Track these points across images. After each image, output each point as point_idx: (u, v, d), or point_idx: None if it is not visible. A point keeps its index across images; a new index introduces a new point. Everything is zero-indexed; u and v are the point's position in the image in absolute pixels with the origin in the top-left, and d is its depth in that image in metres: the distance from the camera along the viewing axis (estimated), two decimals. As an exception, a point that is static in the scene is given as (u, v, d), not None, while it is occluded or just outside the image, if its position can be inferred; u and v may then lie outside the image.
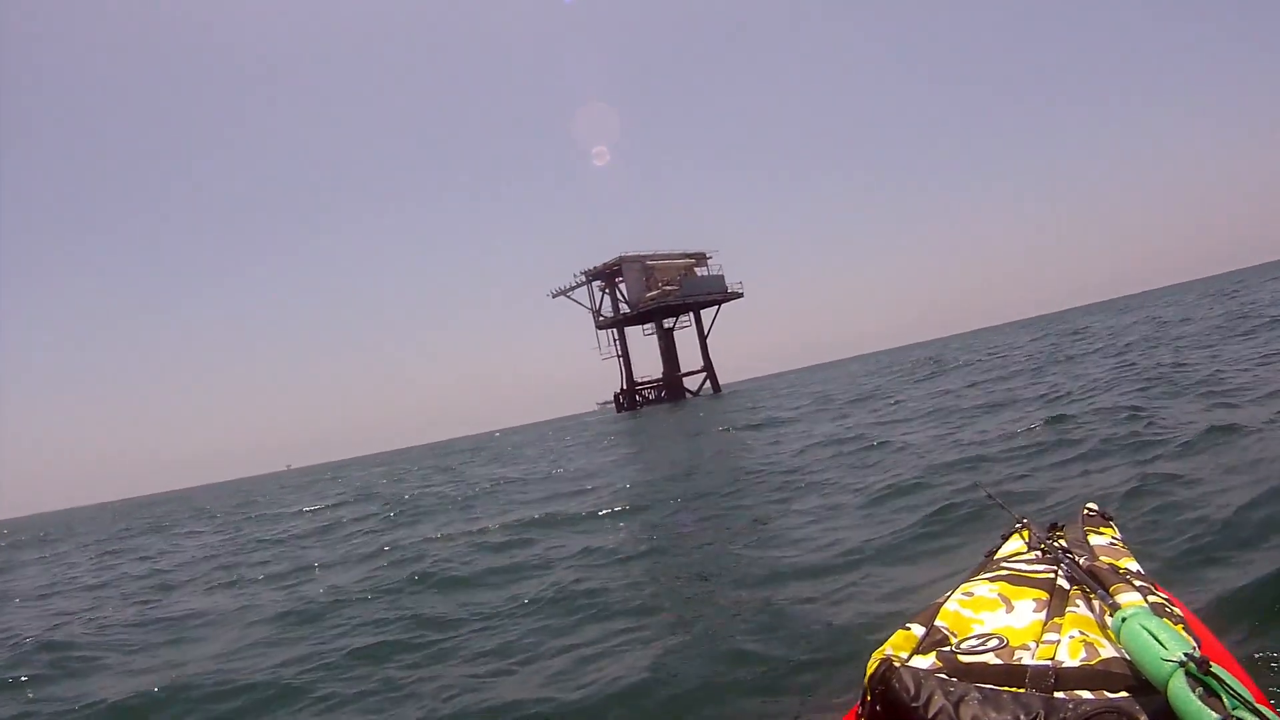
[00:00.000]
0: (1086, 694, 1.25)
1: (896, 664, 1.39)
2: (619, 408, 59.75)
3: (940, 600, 1.74)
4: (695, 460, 13.41)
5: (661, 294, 54.56)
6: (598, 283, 58.74)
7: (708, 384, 59.00)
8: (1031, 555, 1.99)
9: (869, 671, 1.41)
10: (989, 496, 3.00)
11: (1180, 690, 1.12)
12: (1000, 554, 2.14)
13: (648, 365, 60.06)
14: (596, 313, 59.35)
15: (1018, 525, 2.31)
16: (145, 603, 7.93)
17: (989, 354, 27.76)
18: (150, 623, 6.62)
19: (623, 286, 57.27)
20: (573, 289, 59.76)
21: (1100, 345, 19.14)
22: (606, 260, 57.24)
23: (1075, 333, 27.77)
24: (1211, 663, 1.15)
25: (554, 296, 60.67)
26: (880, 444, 9.82)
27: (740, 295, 58.75)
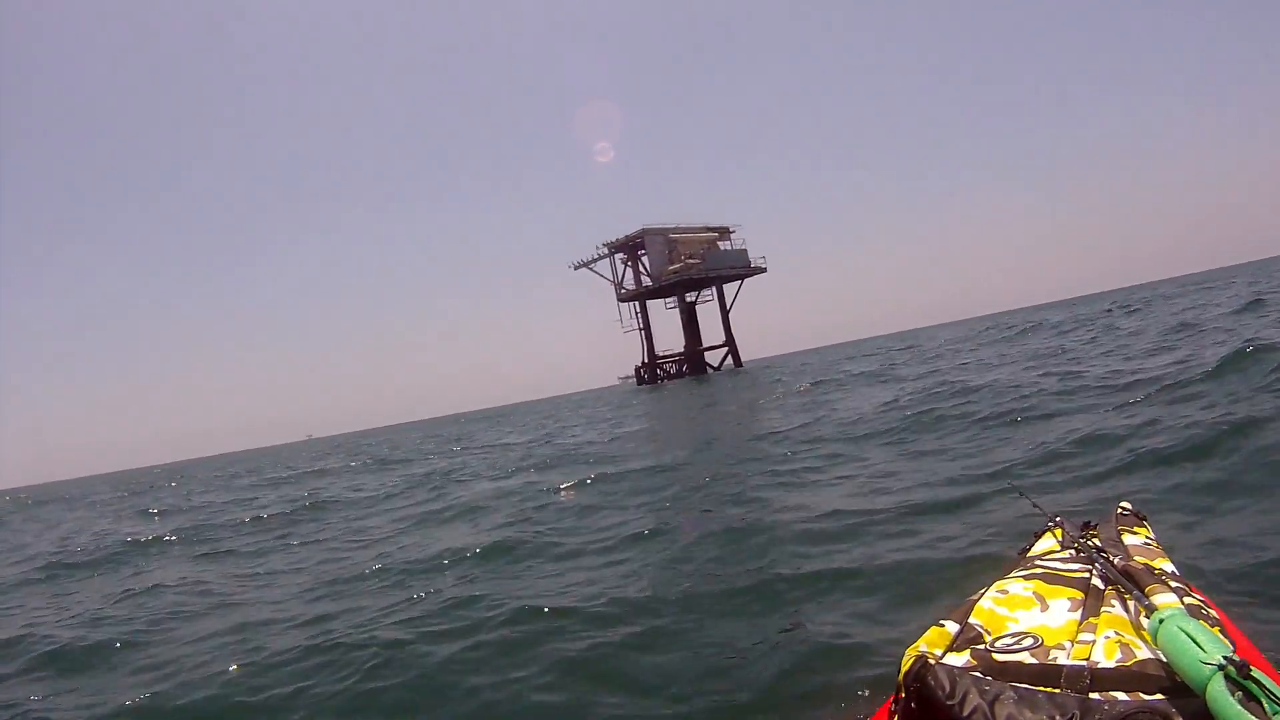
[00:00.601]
0: (1122, 695, 1.24)
1: (931, 661, 1.37)
2: (640, 381, 59.46)
3: (974, 597, 1.72)
4: (725, 432, 13.03)
5: (684, 267, 53.98)
6: (620, 255, 58.19)
7: (729, 359, 58.48)
8: (1066, 554, 1.97)
9: (904, 668, 1.39)
10: (1020, 494, 2.92)
11: (1219, 694, 1.10)
12: (1033, 552, 2.12)
13: (669, 339, 59.78)
14: (618, 285, 58.89)
15: (1050, 523, 2.26)
16: (111, 568, 7.64)
17: (1030, 325, 27.01)
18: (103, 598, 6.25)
19: (645, 259, 56.79)
20: (594, 261, 59.31)
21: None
22: (629, 232, 56.70)
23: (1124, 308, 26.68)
24: (1252, 667, 1.13)
25: (575, 268, 60.30)
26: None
27: (763, 270, 57.96)
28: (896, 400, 11.41)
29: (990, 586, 1.79)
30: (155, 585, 6.24)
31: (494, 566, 5.06)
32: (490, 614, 3.90)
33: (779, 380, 26.06)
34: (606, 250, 58.39)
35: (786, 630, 3.26)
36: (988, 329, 35.20)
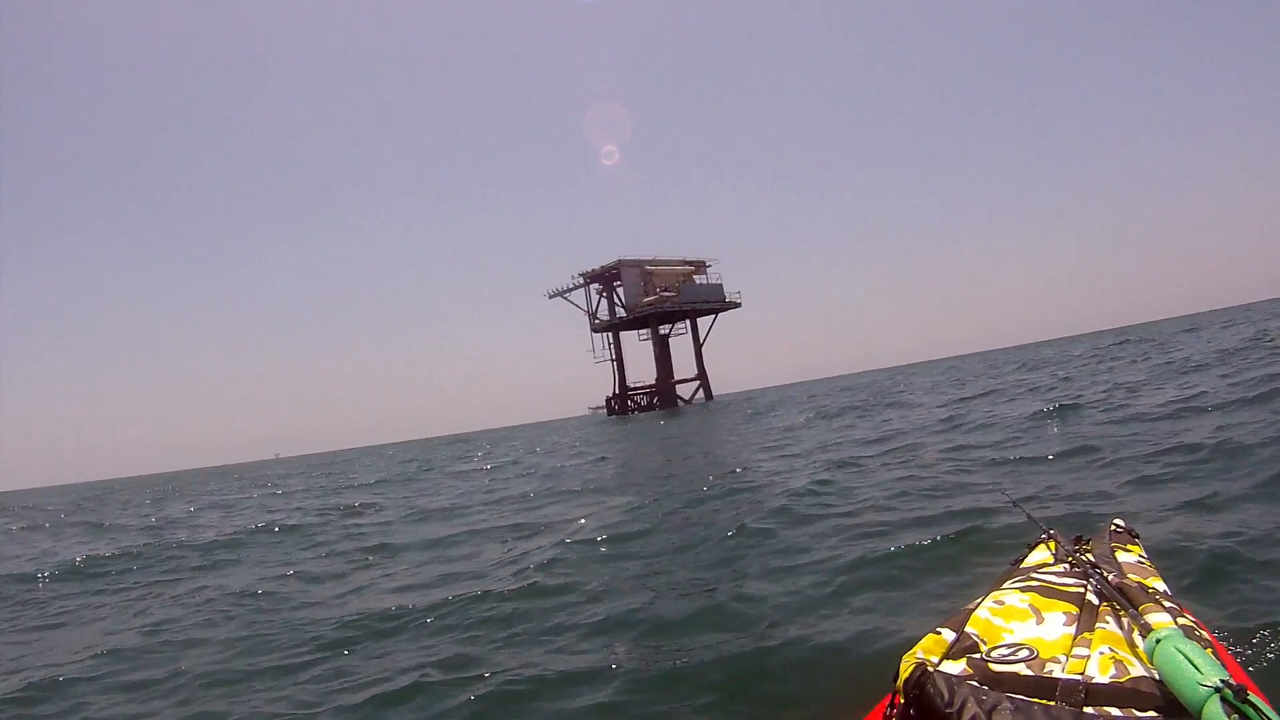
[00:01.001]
0: (1116, 711, 1.26)
1: (930, 669, 1.36)
2: (610, 412, 59.29)
3: (970, 606, 1.73)
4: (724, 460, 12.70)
5: (659, 299, 54.08)
6: (595, 285, 58.23)
7: (700, 392, 58.45)
8: (1060, 568, 1.98)
9: (902, 674, 1.39)
10: (1014, 504, 2.88)
11: (1216, 716, 1.10)
12: (1026, 563, 2.13)
13: (641, 371, 59.74)
14: (593, 315, 58.80)
15: (1043, 535, 2.28)
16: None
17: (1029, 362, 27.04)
18: None
19: (620, 290, 56.79)
20: (570, 290, 59.28)
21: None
22: (605, 263, 56.78)
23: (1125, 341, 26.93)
24: (1249, 691, 1.14)
25: (550, 297, 60.24)
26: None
27: (738, 305, 58.34)
28: (881, 436, 11.31)
29: (986, 596, 1.79)
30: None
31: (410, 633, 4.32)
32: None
33: (755, 414, 25.87)
34: (582, 280, 58.44)
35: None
36: (992, 366, 35.28)
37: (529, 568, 5.40)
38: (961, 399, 17.25)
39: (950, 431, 10.88)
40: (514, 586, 4.85)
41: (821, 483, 7.45)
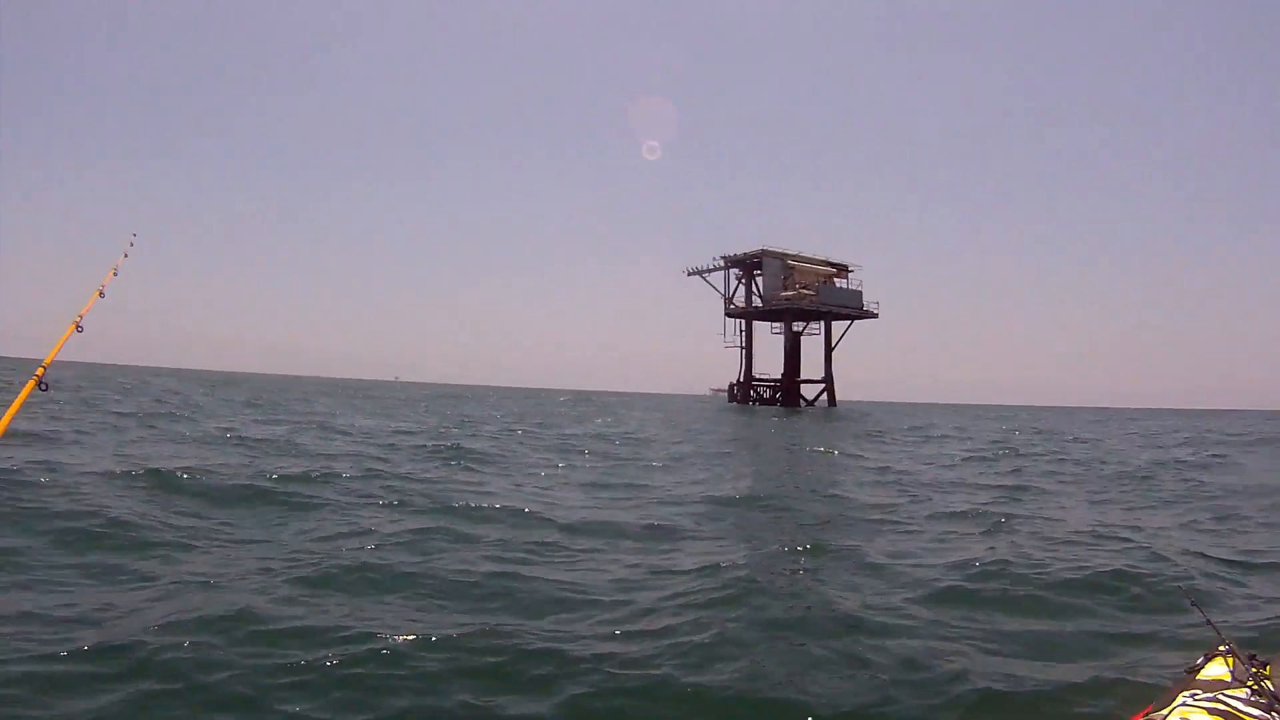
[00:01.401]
0: None
1: None
2: (731, 398, 58.94)
3: (1155, 718, 1.69)
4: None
5: (798, 295, 53.05)
6: (735, 270, 57.60)
7: (824, 396, 56.90)
8: (1242, 692, 1.86)
9: None
10: (1192, 604, 2.83)
11: None
12: (1203, 676, 2.04)
13: (765, 363, 59.13)
14: (729, 300, 58.18)
15: (1221, 649, 2.16)
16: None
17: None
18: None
19: (760, 280, 56.08)
20: (709, 271, 58.80)
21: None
22: (748, 250, 56.16)
23: None
24: None
25: (689, 275, 59.80)
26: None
27: (875, 315, 56.60)
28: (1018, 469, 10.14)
29: (1171, 709, 1.73)
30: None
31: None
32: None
33: (888, 432, 24.50)
34: (723, 263, 57.91)
35: None
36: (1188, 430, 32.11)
37: (635, 608, 4.76)
38: (1157, 462, 15.44)
39: (1169, 506, 9.43)
40: (621, 627, 4.30)
41: (1004, 559, 6.18)
